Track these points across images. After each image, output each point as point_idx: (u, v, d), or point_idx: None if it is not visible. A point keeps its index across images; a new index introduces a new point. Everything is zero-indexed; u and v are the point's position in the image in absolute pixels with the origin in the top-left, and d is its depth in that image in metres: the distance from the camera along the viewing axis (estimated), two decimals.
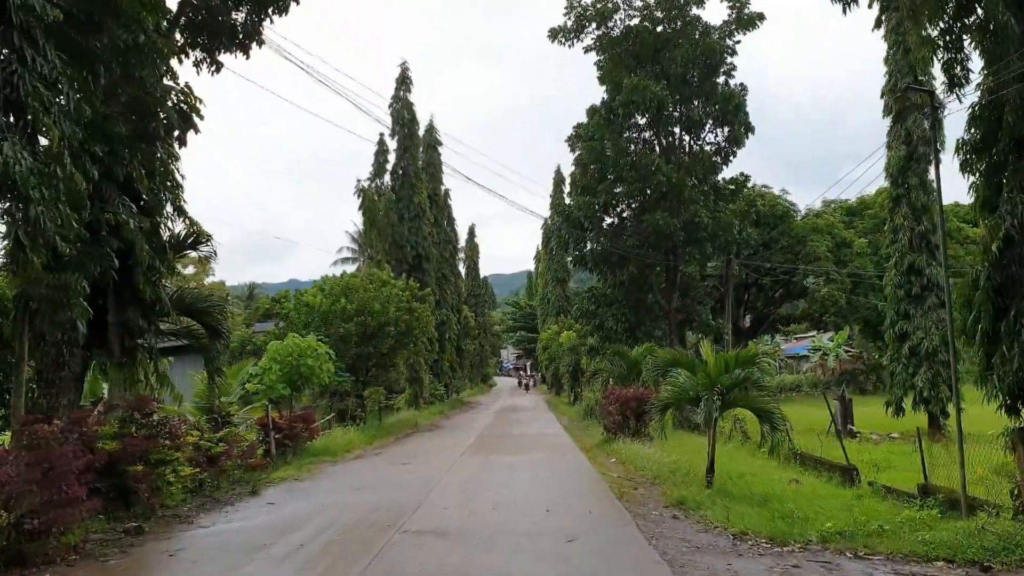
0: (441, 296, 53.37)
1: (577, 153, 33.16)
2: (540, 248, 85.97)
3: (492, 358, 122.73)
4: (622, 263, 33.08)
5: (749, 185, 34.75)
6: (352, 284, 31.00)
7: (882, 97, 25.05)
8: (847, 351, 57.46)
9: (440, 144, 56.11)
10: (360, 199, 41.70)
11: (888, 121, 25.03)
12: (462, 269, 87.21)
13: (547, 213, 73.23)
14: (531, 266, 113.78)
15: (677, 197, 31.02)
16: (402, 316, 32.46)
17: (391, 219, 42.79)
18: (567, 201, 33.95)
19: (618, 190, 31.61)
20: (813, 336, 60.67)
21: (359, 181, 41.15)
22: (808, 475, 18.71)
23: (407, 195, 44.48)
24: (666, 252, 33.12)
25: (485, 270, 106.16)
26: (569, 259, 34.11)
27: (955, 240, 44.28)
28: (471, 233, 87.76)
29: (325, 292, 30.63)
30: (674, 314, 32.71)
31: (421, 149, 52.29)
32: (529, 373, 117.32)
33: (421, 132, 52.65)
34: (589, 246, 33.42)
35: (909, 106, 24.08)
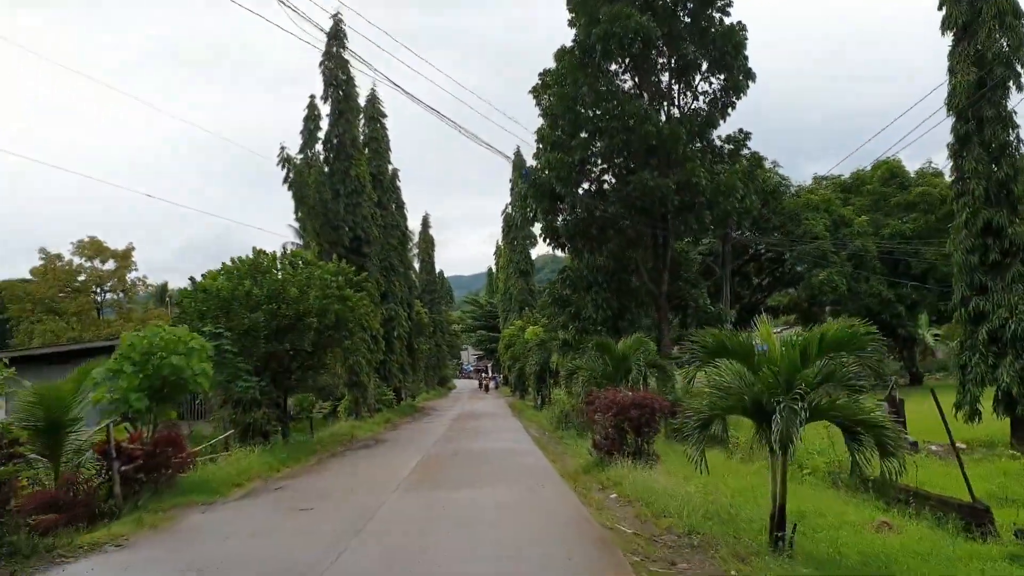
0: (388, 288, 46.91)
1: (544, 103, 27.00)
2: (500, 243, 79.68)
3: (451, 360, 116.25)
4: (602, 238, 27.04)
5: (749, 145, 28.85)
6: (262, 264, 24.47)
7: (940, 7, 19.35)
8: None
9: (384, 116, 49.73)
10: (285, 171, 35.08)
11: (949, 39, 19.34)
12: (416, 265, 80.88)
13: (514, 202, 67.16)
14: (492, 266, 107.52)
15: (669, 153, 25.09)
16: (330, 305, 26.06)
17: (323, 195, 36.24)
18: (532, 163, 27.85)
19: (596, 146, 25.50)
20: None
21: (283, 149, 34.57)
22: (895, 511, 12.87)
23: (342, 168, 37.96)
24: (654, 224, 27.19)
25: (444, 272, 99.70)
26: (539, 233, 27.86)
27: None
28: (425, 224, 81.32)
29: (228, 274, 24.06)
30: (665, 300, 26.77)
31: (362, 119, 45.79)
32: (490, 375, 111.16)
33: (362, 101, 46.16)
34: (561, 218, 27.30)
35: (981, 18, 18.39)
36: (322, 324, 26.09)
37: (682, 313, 27.53)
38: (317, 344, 27.35)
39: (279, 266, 25.53)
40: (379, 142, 48.84)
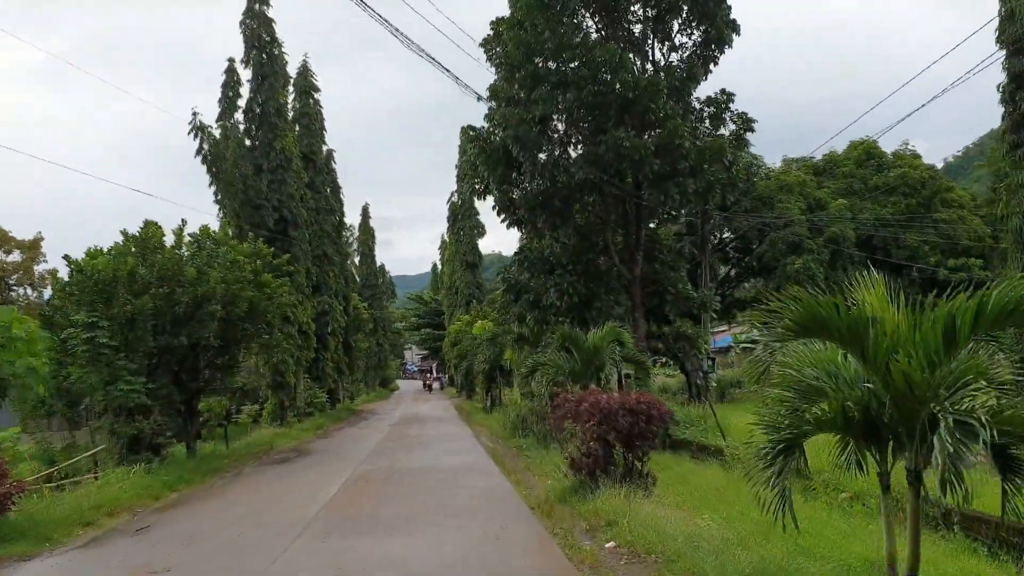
0: (321, 278, 42.35)
1: (498, 56, 22.87)
2: (445, 236, 75.32)
3: (394, 359, 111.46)
4: (566, 213, 23.12)
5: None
6: (153, 239, 19.90)
7: None
8: None
9: (318, 91, 45.10)
10: (198, 142, 30.39)
11: None
12: (356, 259, 76.13)
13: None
14: (436, 262, 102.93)
15: (645, 112, 21.25)
16: (242, 291, 21.66)
17: (243, 170, 31.63)
18: (483, 125, 23.69)
19: (561, 101, 21.44)
20: (726, 330, 52.61)
21: (195, 116, 29.83)
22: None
23: (266, 139, 33.38)
24: (626, 197, 23.41)
25: (389, 273, 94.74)
26: (492, 205, 23.64)
27: None
28: (365, 214, 76.57)
29: (119, 254, 19.45)
30: (639, 285, 22.96)
31: (292, 92, 41.16)
32: (435, 375, 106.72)
33: (293, 72, 41.55)
34: (518, 190, 23.27)
35: None
36: (231, 314, 21.69)
37: (659, 300, 23.79)
38: (228, 338, 22.95)
39: (181, 244, 20.98)
40: (311, 118, 44.21)
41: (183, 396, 22.88)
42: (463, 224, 62.03)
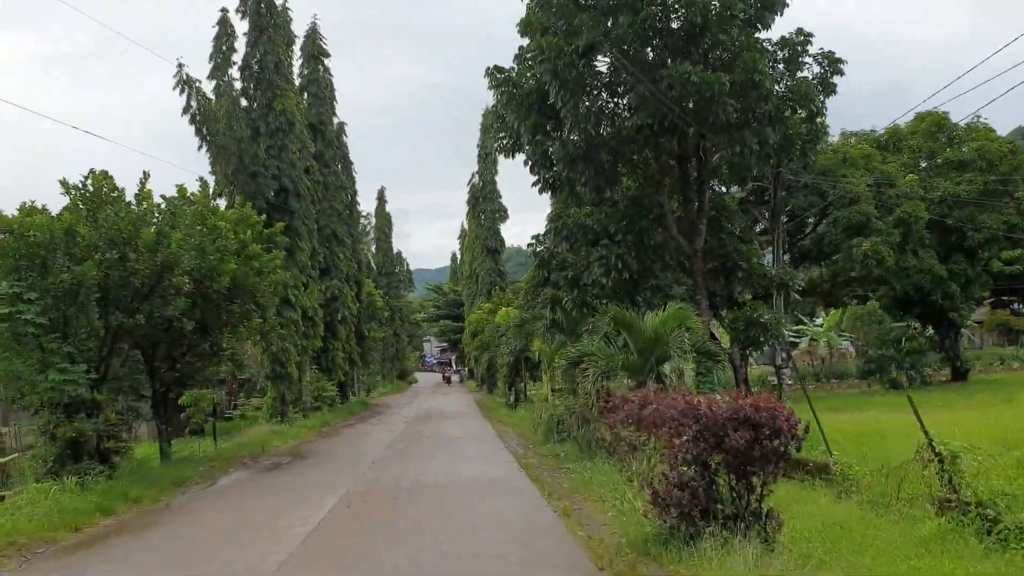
0: (330, 260, 38.61)
1: None
2: (465, 223, 71.13)
3: (413, 351, 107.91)
4: (614, 170, 19.07)
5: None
6: (103, 194, 16.06)
7: None
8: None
9: (327, 56, 41.24)
10: (184, 98, 26.59)
11: None
12: (372, 247, 72.51)
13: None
14: (456, 251, 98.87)
15: (716, 43, 17.14)
16: (222, 263, 17.87)
17: (238, 132, 27.80)
18: (512, 67, 19.51)
19: (610, 28, 17.24)
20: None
21: (181, 68, 25.94)
22: None
23: (264, 99, 29.57)
24: (684, 156, 19.34)
25: (406, 260, 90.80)
26: (526, 163, 19.40)
27: None
28: (381, 198, 72.78)
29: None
30: (701, 259, 18.86)
31: (298, 52, 37.31)
32: (455, 368, 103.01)
33: (300, 35, 37.70)
34: (552, 147, 19.15)
35: None
36: (209, 290, 17.92)
37: (724, 278, 19.66)
38: (209, 320, 19.19)
39: (145, 201, 17.16)
40: (320, 86, 40.40)
41: (157, 388, 19.26)
42: (484, 208, 58.07)
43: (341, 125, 44.25)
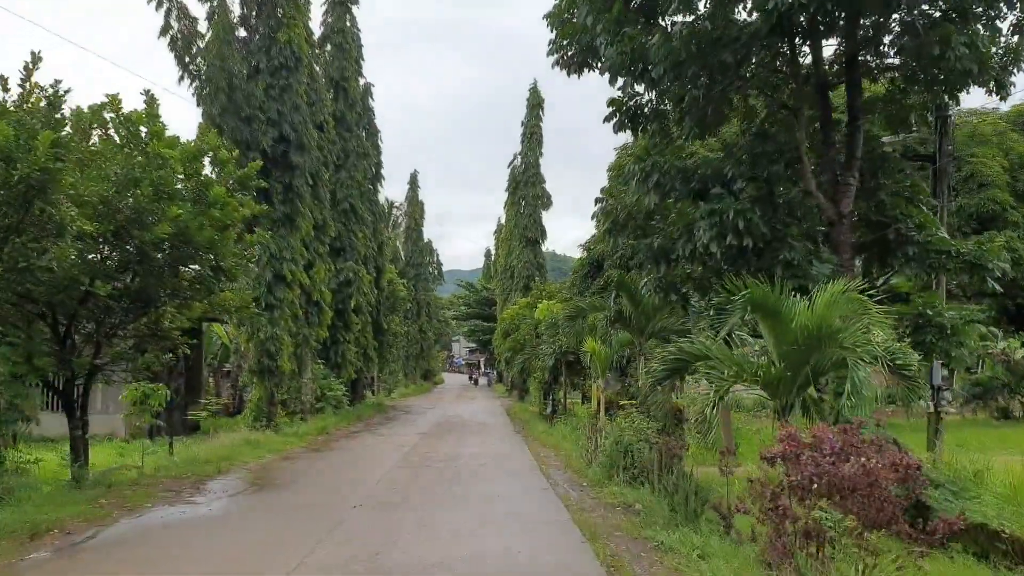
0: (346, 238, 33.09)
1: None
2: (502, 217, 64.95)
3: (441, 351, 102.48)
4: (733, 84, 13.06)
5: None
6: None
7: None
8: None
9: (355, 3, 35.67)
10: (164, 16, 21.21)
11: None
12: (400, 238, 67.07)
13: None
14: (490, 247, 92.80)
15: None
16: (155, 204, 12.36)
17: (230, 66, 22.31)
18: None
19: None
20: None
21: None
22: None
23: (266, 29, 23.99)
24: (820, 84, 13.36)
25: (437, 251, 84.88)
26: (603, 66, 13.14)
27: None
28: (413, 183, 67.30)
29: None
30: (848, 226, 12.80)
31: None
32: (483, 370, 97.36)
33: None
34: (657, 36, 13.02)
35: None
36: (138, 240, 12.41)
37: (881, 255, 13.47)
38: (148, 286, 13.78)
39: (30, 99, 11.61)
40: (346, 37, 34.97)
41: (64, 372, 13.76)
42: (525, 193, 52.21)
43: (367, 86, 38.72)
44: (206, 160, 14.80)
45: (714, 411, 8.54)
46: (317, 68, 29.98)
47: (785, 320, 9.24)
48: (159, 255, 13.77)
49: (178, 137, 14.07)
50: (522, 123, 52.73)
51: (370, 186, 38.23)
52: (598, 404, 23.13)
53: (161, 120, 13.98)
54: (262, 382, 23.06)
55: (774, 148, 13.05)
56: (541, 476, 15.68)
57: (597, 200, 16.18)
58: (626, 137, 19.38)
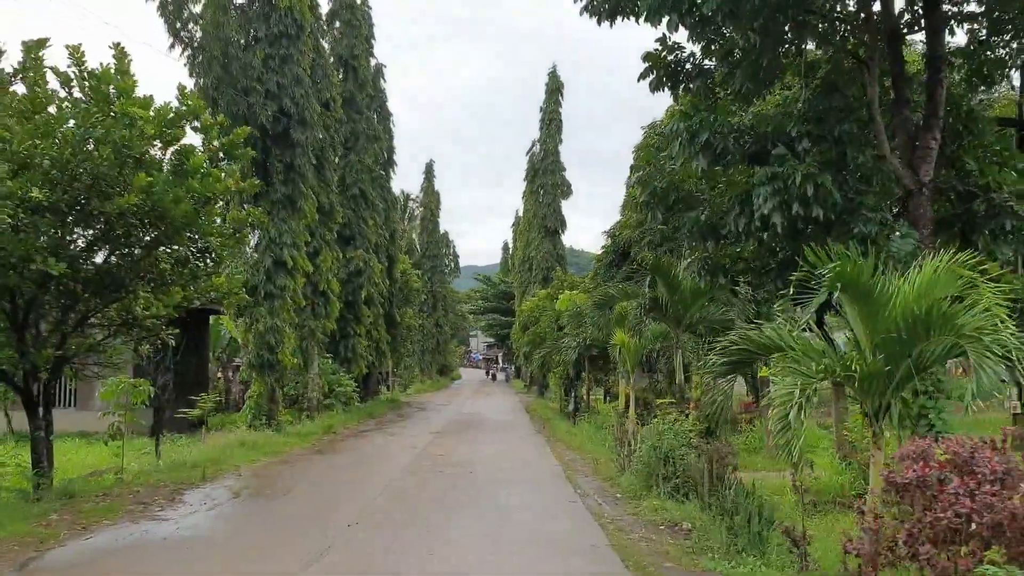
0: (356, 226, 31.35)
1: None
2: (520, 209, 62.86)
3: (459, 346, 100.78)
4: (780, 39, 11.10)
5: None
6: None
7: None
8: None
9: None
10: None
11: None
12: (415, 232, 65.29)
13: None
14: (507, 240, 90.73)
15: None
16: (120, 169, 10.62)
17: (228, 33, 20.55)
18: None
19: None
20: None
21: None
22: None
23: None
24: (891, 32, 11.36)
25: (453, 243, 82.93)
26: (640, 16, 11.16)
27: None
28: (428, 173, 65.49)
29: None
30: (927, 195, 10.83)
31: None
32: (501, 365, 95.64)
33: None
34: None
35: None
36: (110, 212, 10.69)
37: (964, 232, 11.41)
38: (120, 269, 12.08)
39: None
40: (354, 13, 33.17)
41: (27, 370, 12.05)
42: (544, 181, 50.22)
43: (379, 67, 36.97)
44: (189, 129, 13.04)
45: (801, 414, 6.61)
46: (324, 44, 28.24)
47: (881, 302, 7.30)
48: (128, 232, 12.02)
49: (152, 97, 12.29)
50: (540, 108, 50.79)
51: (382, 172, 36.49)
52: (627, 402, 21.28)
53: (133, 77, 12.21)
54: (262, 377, 21.31)
55: (843, 104, 11.04)
56: (568, 484, 13.80)
57: (633, 168, 14.27)
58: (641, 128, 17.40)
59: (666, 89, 12.70)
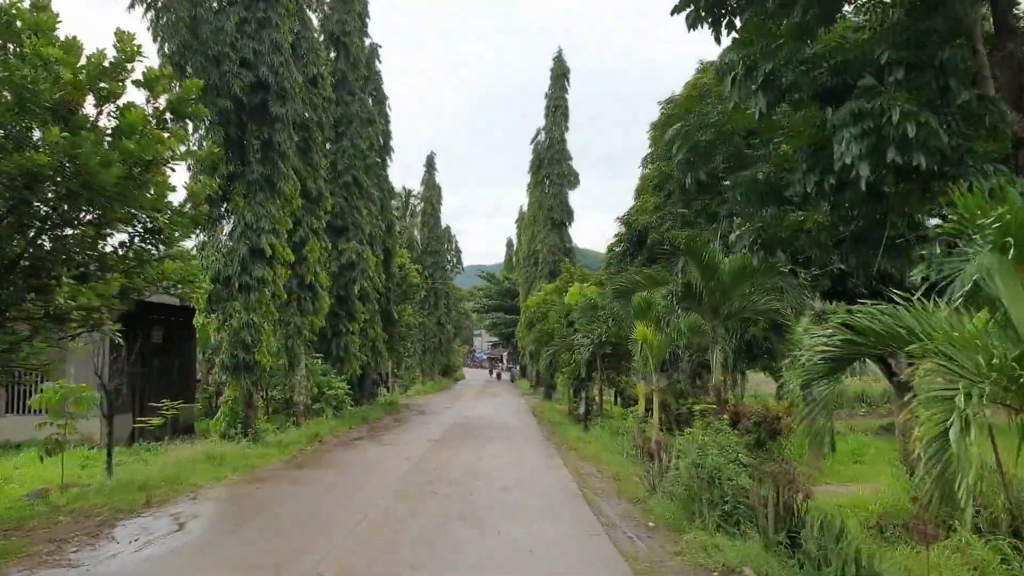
0: (348, 215, 29.08)
1: None
2: (524, 204, 60.10)
3: (462, 345, 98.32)
4: None
5: None
6: None
7: None
8: None
9: None
10: None
11: None
12: (416, 229, 62.94)
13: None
14: (511, 237, 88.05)
15: None
16: (12, 119, 8.24)
17: None
18: None
19: None
20: None
21: None
22: None
23: None
24: None
25: (455, 238, 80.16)
26: None
27: None
28: (430, 165, 63.08)
29: None
30: None
31: None
32: (506, 364, 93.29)
33: None
34: None
35: None
36: (8, 174, 8.34)
37: None
38: (38, 250, 9.80)
39: None
40: None
41: None
42: (549, 171, 47.82)
43: (374, 47, 34.62)
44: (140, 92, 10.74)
45: (966, 434, 4.24)
46: (312, 17, 25.86)
47: None
48: (47, 202, 9.72)
49: (79, 39, 9.98)
50: (546, 95, 48.34)
51: (377, 159, 34.13)
52: (647, 405, 18.90)
53: (54, 15, 9.89)
54: (237, 380, 18.94)
55: (945, 27, 8.65)
56: (587, 509, 11.41)
57: (654, 125, 11.74)
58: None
59: (705, 25, 10.29)
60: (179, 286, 12.57)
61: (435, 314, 62.04)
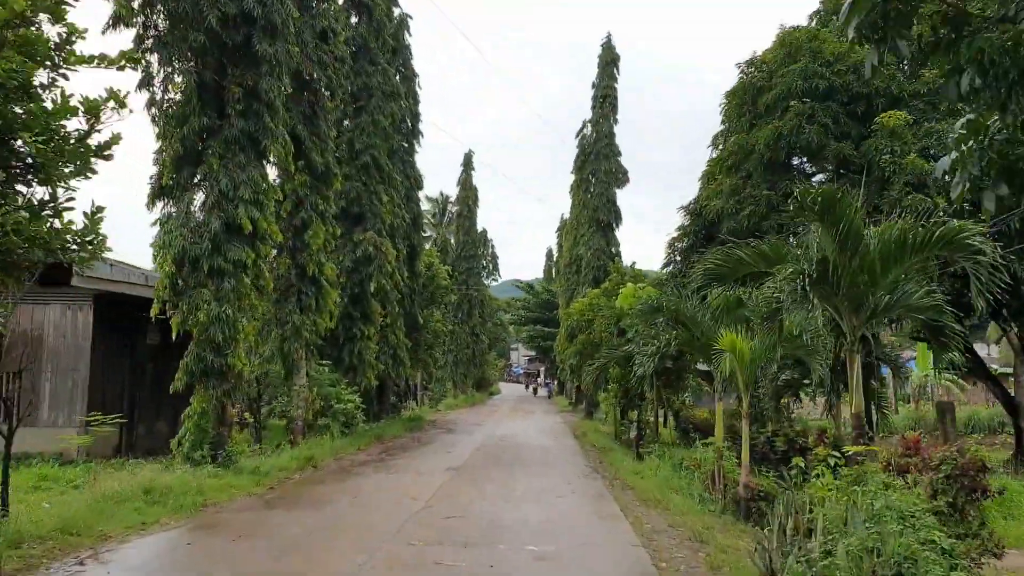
0: (365, 200, 25.19)
1: None
2: (567, 212, 55.47)
3: (499, 359, 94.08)
4: None
5: None
6: None
7: None
8: None
9: None
10: None
11: None
12: (453, 223, 59.24)
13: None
14: (551, 247, 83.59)
15: None
16: None
17: None
18: None
19: None
20: None
21: None
22: None
23: None
24: None
25: (492, 243, 75.92)
26: None
27: None
28: (467, 165, 59.17)
29: None
30: None
31: None
32: (544, 380, 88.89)
33: None
34: None
35: None
36: None
37: None
38: None
39: None
40: None
41: None
42: (596, 167, 43.55)
43: (403, 18, 30.81)
44: None
45: None
46: None
47: None
48: None
49: None
50: (593, 85, 44.19)
51: (404, 142, 30.31)
52: (734, 436, 14.57)
53: None
54: (204, 389, 14.96)
55: None
56: None
57: (729, 93, 7.16)
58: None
59: None
60: (74, 249, 8.65)
61: (469, 323, 57.98)
